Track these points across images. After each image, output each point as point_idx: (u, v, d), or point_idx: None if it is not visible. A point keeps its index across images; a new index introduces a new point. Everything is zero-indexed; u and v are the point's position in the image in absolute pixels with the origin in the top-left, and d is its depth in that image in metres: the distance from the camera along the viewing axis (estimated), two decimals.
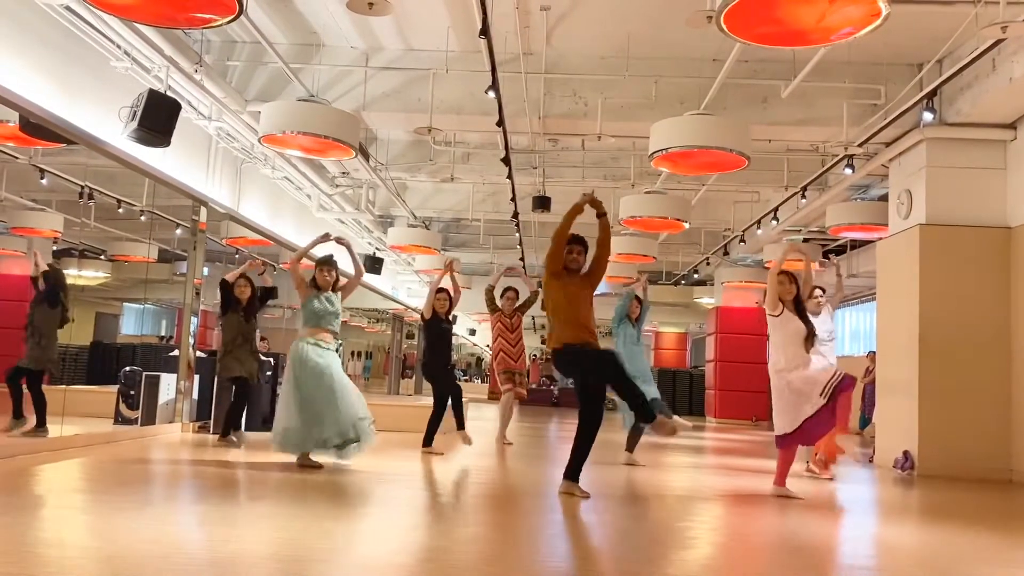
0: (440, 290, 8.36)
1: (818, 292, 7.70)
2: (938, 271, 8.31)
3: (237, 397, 8.08)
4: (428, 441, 7.98)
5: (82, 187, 10.49)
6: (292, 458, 6.44)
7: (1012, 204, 8.26)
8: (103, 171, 10.40)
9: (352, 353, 36.96)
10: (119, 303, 20.68)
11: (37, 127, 6.65)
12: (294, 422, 6.34)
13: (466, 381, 32.99)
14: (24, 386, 7.37)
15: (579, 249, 5.77)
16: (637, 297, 8.05)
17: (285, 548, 3.80)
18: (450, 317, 8.56)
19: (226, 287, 8.06)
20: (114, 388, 9.02)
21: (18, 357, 7.54)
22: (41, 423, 7.28)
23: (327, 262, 6.87)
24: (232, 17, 5.13)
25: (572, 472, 5.55)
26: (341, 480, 6.02)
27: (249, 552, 3.66)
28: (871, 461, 9.24)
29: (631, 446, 7.93)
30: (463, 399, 8.44)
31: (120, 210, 11.30)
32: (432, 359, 8.25)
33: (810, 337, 5.99)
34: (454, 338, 9.60)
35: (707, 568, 4.06)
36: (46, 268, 7.73)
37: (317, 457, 6.38)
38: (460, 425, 8.26)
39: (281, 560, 3.56)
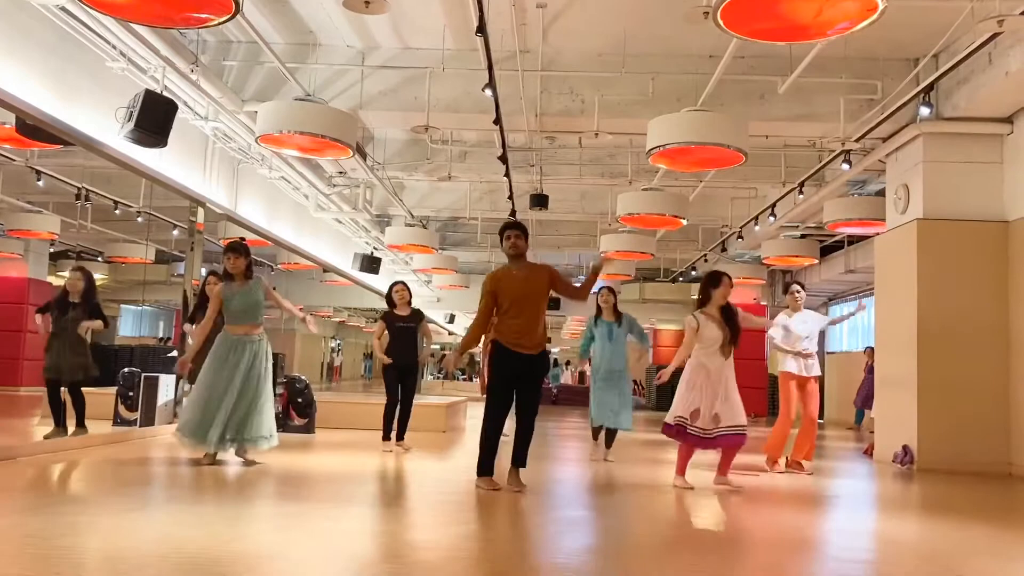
0: (397, 282, 8.22)
1: (795, 287, 7.72)
2: (936, 266, 8.32)
3: None
4: (397, 435, 7.89)
5: (78, 189, 10.48)
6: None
7: (1009, 198, 8.27)
8: (99, 173, 10.38)
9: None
10: (117, 305, 20.67)
11: (33, 128, 6.64)
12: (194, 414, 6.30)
13: (465, 380, 32.93)
14: (48, 391, 7.49)
15: (516, 234, 5.72)
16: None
17: (280, 548, 3.80)
18: (411, 313, 8.09)
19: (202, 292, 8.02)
20: (112, 390, 9.00)
21: (16, 360, 7.54)
22: (81, 423, 7.46)
23: (232, 247, 6.62)
24: (228, 17, 5.12)
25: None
26: (338, 480, 6.03)
27: (244, 552, 3.65)
28: (869, 455, 9.24)
29: (607, 442, 7.92)
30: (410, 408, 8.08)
31: (117, 211, 11.29)
32: (391, 360, 7.96)
33: (730, 341, 6.10)
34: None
35: (705, 563, 4.06)
36: (81, 276, 7.54)
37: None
38: (399, 434, 7.92)
39: (276, 559, 3.56)
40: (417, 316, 8.13)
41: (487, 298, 5.65)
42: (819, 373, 7.56)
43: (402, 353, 7.95)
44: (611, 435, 7.91)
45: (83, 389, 7.57)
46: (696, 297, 6.48)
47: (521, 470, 5.70)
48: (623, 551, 4.19)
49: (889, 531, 5.21)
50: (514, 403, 5.74)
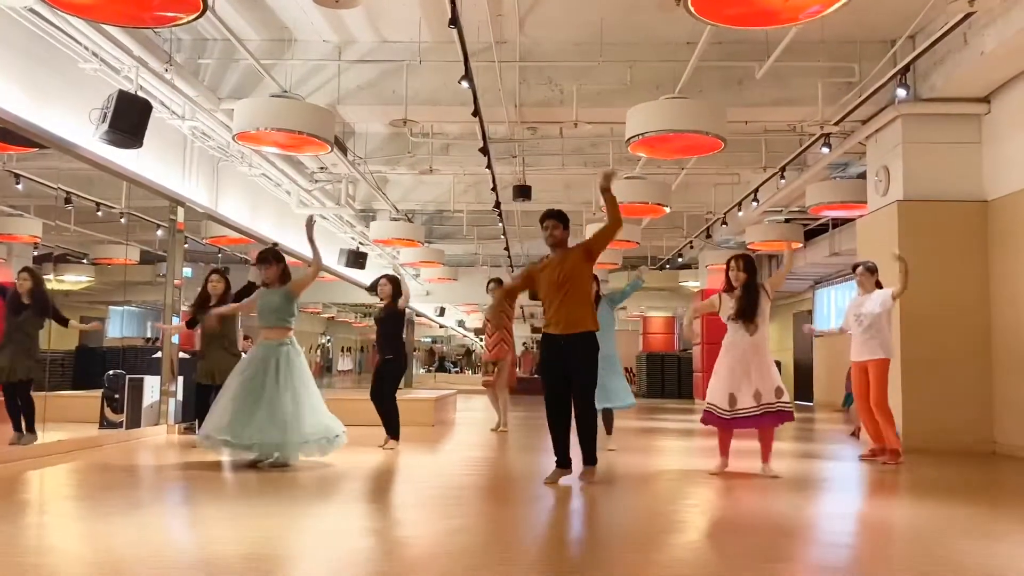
0: (381, 276, 8.09)
1: (859, 268, 7.47)
2: (917, 247, 8.32)
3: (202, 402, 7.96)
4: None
5: (56, 190, 10.39)
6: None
7: (988, 177, 8.30)
8: (81, 174, 10.30)
9: (342, 349, 36.96)
10: (104, 307, 20.57)
11: (4, 132, 6.57)
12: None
13: (457, 373, 32.94)
14: (4, 395, 7.34)
15: (552, 223, 5.75)
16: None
17: (263, 547, 3.80)
18: (392, 305, 7.86)
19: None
20: (99, 392, 8.95)
21: None
22: (31, 428, 7.25)
23: (258, 258, 6.75)
24: (197, 14, 5.10)
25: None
26: (325, 477, 6.01)
27: (228, 553, 3.64)
28: (856, 436, 9.29)
29: (606, 428, 7.95)
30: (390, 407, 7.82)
31: (99, 213, 11.20)
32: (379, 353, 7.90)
33: (738, 315, 6.08)
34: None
35: (692, 552, 4.07)
36: (28, 277, 7.48)
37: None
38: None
39: (259, 559, 3.55)
40: (394, 309, 7.93)
41: (522, 276, 5.91)
42: (872, 356, 7.19)
43: (385, 348, 7.87)
44: (608, 419, 7.87)
45: (65, 393, 7.50)
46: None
47: (592, 463, 5.72)
48: (608, 541, 4.20)
49: (872, 513, 5.24)
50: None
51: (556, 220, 5.74)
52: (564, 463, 5.68)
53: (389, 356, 7.79)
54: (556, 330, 5.60)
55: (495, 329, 9.83)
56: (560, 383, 5.63)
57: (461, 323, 31.62)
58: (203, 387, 7.76)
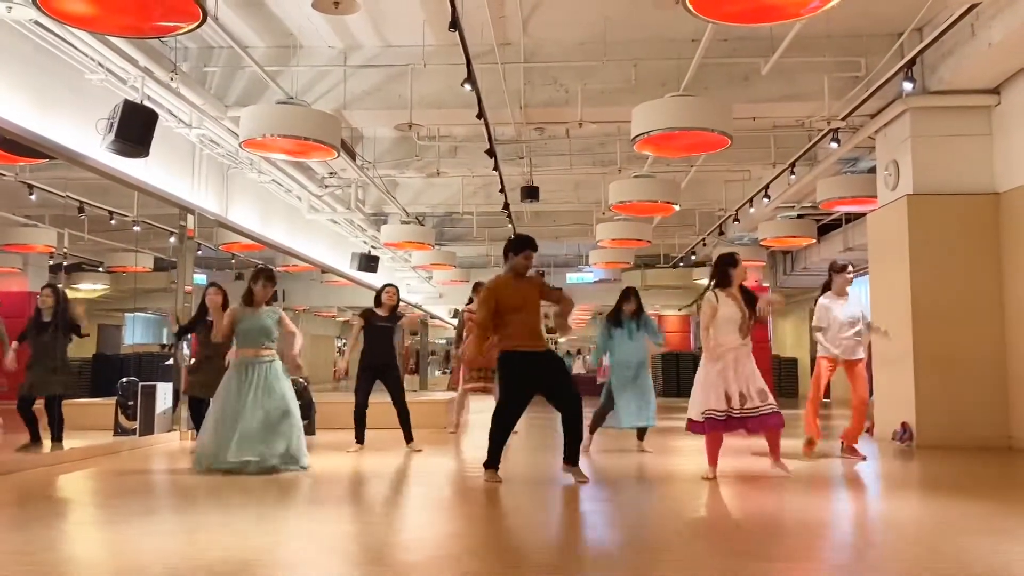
0: (389, 285, 8.16)
1: (850, 268, 7.35)
2: (928, 241, 8.27)
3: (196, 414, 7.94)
4: (405, 438, 7.91)
5: (66, 199, 10.47)
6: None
7: (999, 170, 8.21)
8: (95, 184, 10.37)
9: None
10: (121, 314, 20.73)
11: (14, 143, 6.64)
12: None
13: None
14: (31, 408, 7.42)
15: (531, 253, 5.98)
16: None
17: (266, 552, 3.81)
18: (390, 314, 8.02)
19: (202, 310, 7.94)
20: (113, 400, 9.03)
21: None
22: (57, 438, 7.38)
23: (270, 275, 6.75)
24: (197, 23, 5.11)
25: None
26: (331, 481, 6.03)
27: (231, 558, 3.66)
28: (871, 433, 9.21)
29: (639, 435, 8.00)
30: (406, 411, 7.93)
31: (112, 221, 11.29)
32: (362, 359, 7.97)
33: (744, 324, 5.92)
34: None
35: (699, 551, 4.05)
36: (50, 294, 7.53)
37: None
38: (407, 437, 7.92)
39: (259, 565, 3.57)
40: (396, 317, 8.08)
41: (490, 310, 5.86)
42: (863, 356, 7.19)
43: (377, 353, 7.90)
44: (642, 428, 7.94)
45: (80, 400, 7.56)
46: (710, 280, 6.20)
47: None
48: (617, 541, 4.19)
49: (882, 510, 5.20)
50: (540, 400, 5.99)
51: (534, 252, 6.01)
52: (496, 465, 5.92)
53: (385, 363, 7.91)
54: (533, 347, 5.85)
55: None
56: (528, 397, 5.94)
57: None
58: (196, 400, 7.77)
